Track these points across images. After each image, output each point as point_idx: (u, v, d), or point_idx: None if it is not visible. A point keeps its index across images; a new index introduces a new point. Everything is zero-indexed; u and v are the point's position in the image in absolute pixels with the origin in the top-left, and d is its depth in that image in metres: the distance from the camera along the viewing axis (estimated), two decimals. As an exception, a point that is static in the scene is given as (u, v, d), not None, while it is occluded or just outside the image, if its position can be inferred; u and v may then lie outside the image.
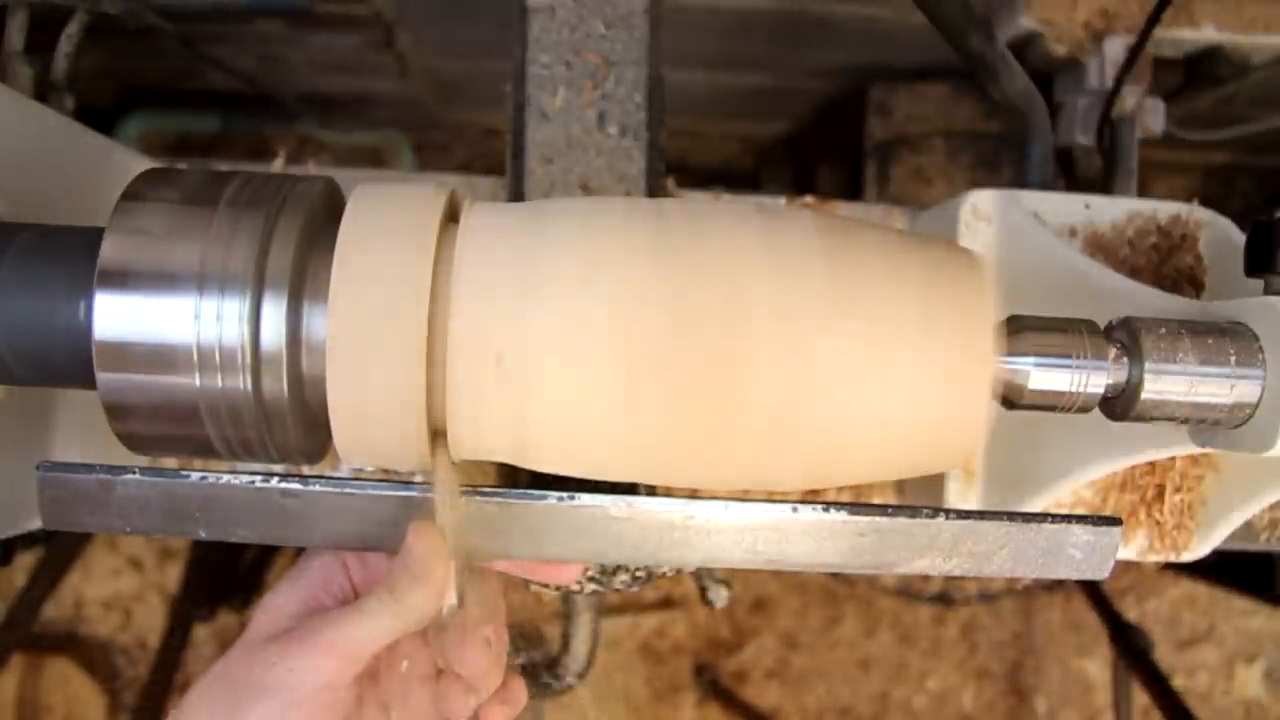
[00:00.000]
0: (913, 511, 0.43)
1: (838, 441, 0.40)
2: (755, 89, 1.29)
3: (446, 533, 0.41)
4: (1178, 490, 0.65)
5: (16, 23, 0.64)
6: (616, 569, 0.54)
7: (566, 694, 0.72)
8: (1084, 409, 0.45)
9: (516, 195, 0.62)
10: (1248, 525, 0.69)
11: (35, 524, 0.54)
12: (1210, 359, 0.45)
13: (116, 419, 0.41)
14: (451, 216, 0.42)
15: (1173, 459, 0.65)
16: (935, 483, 0.67)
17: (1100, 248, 0.66)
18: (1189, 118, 0.96)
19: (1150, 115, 0.81)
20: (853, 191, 1.22)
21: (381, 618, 0.40)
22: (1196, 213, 0.67)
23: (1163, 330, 0.45)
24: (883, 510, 0.43)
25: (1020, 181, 0.79)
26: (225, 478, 0.41)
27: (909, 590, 1.69)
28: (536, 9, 0.62)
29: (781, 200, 0.75)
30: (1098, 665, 1.75)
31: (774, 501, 0.43)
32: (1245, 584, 1.21)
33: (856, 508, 0.43)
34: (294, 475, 0.42)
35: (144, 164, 0.61)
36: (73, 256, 0.42)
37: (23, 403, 0.52)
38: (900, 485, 0.74)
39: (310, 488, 0.42)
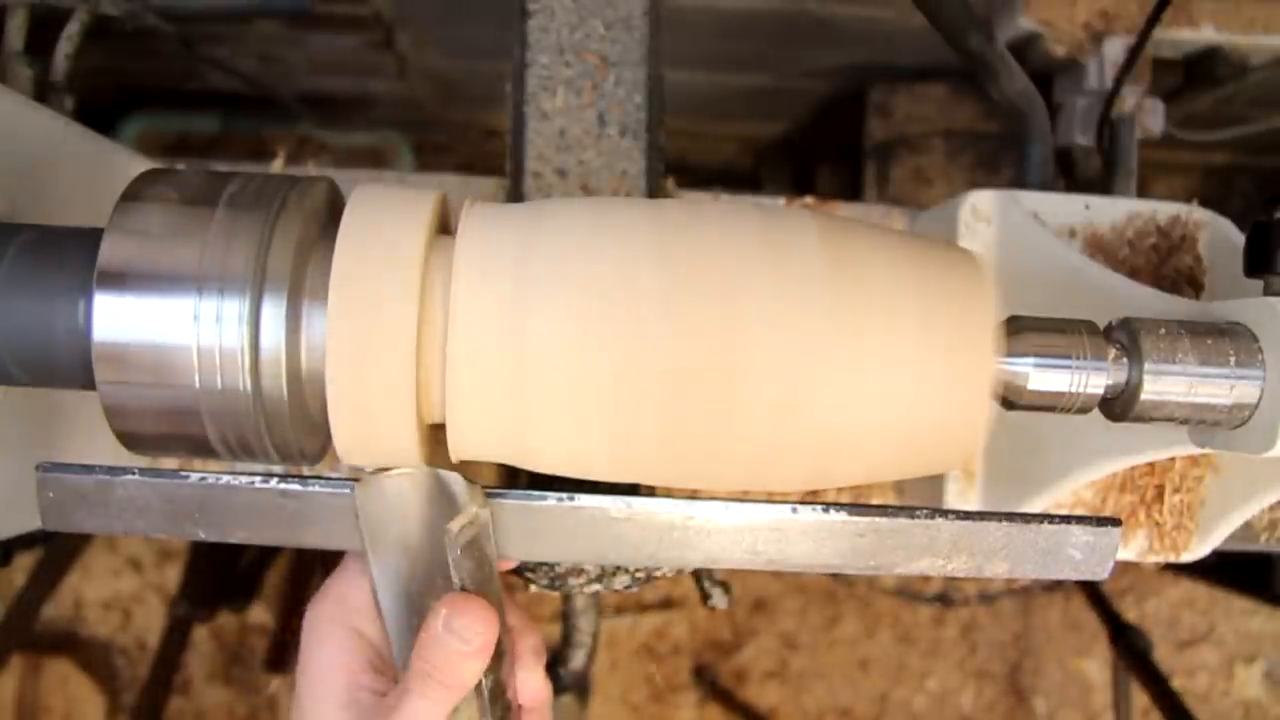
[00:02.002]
0: (912, 512, 0.43)
1: (838, 442, 0.40)
2: (755, 89, 1.29)
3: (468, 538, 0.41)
4: (1177, 491, 0.65)
5: (16, 23, 0.64)
6: (617, 570, 0.54)
7: (566, 694, 0.72)
8: (1084, 410, 0.45)
9: (516, 195, 0.62)
10: (1247, 525, 0.69)
11: (35, 524, 0.54)
12: (1210, 360, 0.45)
13: (116, 420, 0.41)
14: (452, 218, 0.42)
15: (1172, 459, 0.65)
16: (935, 483, 0.67)
17: (1100, 248, 0.66)
18: (1188, 118, 0.96)
19: (1150, 116, 0.81)
20: (852, 192, 1.22)
21: (431, 711, 0.41)
22: (1196, 213, 0.67)
23: (1162, 331, 0.45)
24: (882, 511, 0.43)
25: (1020, 182, 0.79)
26: (225, 478, 0.41)
27: (908, 591, 1.70)
28: (536, 9, 0.62)
29: (781, 200, 0.75)
30: (1097, 665, 1.75)
31: (774, 502, 0.43)
32: (1245, 584, 1.21)
33: (856, 508, 0.43)
34: (294, 475, 0.42)
35: (144, 164, 0.61)
36: (72, 257, 0.42)
37: (23, 403, 0.52)
38: (900, 485, 0.74)
39: (310, 488, 0.42)
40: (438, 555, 0.42)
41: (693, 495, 0.43)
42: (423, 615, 0.42)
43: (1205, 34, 0.86)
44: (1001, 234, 0.65)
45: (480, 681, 0.43)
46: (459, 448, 0.41)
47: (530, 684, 0.48)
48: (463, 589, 0.42)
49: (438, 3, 1.06)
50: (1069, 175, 0.84)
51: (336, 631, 0.44)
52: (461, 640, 0.41)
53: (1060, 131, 0.83)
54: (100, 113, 1.32)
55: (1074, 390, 0.44)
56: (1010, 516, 0.43)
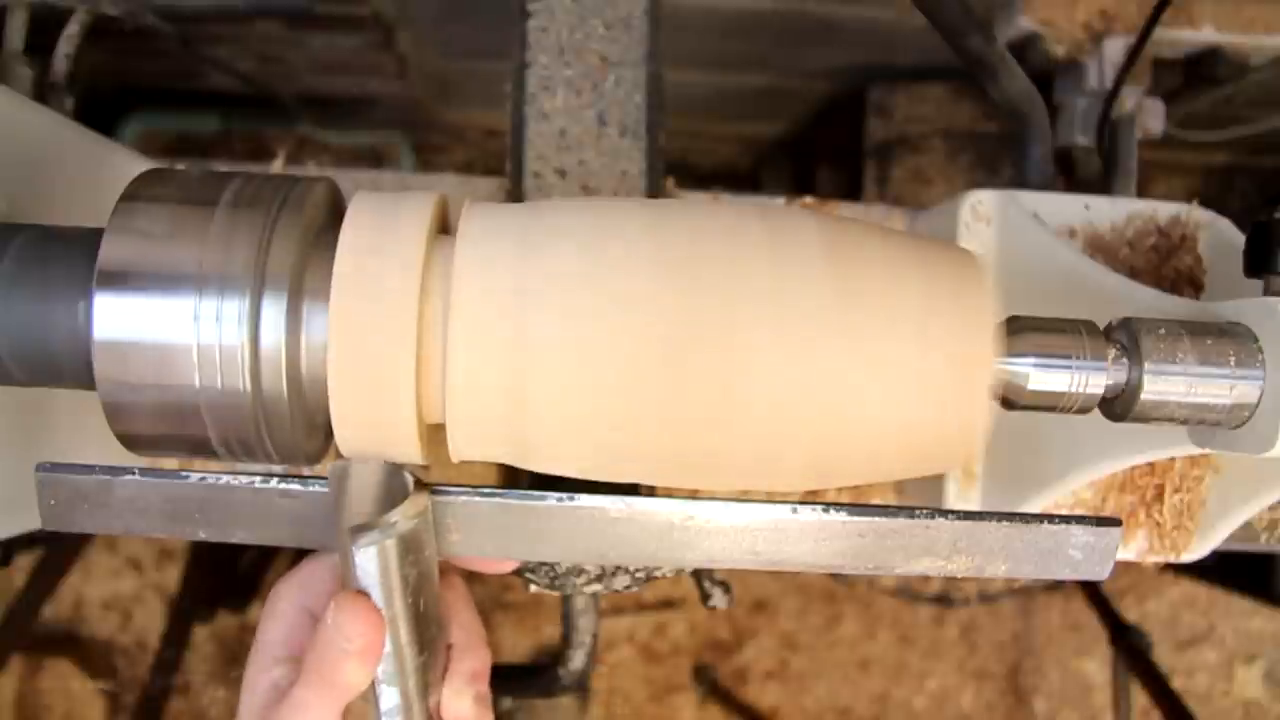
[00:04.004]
0: (912, 512, 0.43)
1: (838, 442, 0.40)
2: (755, 89, 1.29)
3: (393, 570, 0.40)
4: (1177, 491, 0.65)
5: (16, 23, 0.64)
6: (617, 570, 0.54)
7: (566, 694, 0.72)
8: (1084, 410, 0.45)
9: (516, 195, 0.62)
10: (1248, 525, 0.69)
11: (35, 524, 0.54)
12: (1210, 360, 0.45)
13: (116, 420, 0.41)
14: (452, 218, 0.42)
15: (1172, 459, 0.65)
16: (935, 483, 0.67)
17: (1100, 248, 0.66)
18: (1188, 118, 0.96)
19: (1150, 116, 0.81)
20: (852, 192, 1.22)
21: (316, 706, 0.40)
22: (1196, 213, 0.67)
23: (1162, 331, 0.45)
24: (882, 511, 0.43)
25: (1020, 182, 0.79)
26: (225, 478, 0.41)
27: (908, 591, 1.70)
28: (536, 9, 0.62)
29: (781, 200, 0.75)
30: (1097, 665, 1.75)
31: (774, 502, 0.43)
32: (1245, 584, 1.21)
33: (856, 508, 0.43)
34: (294, 475, 0.42)
35: (144, 164, 0.61)
36: (73, 257, 0.42)
37: (23, 402, 0.52)
38: (900, 485, 0.74)
39: (310, 488, 0.42)
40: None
41: (693, 495, 0.43)
42: None
43: (1205, 34, 0.86)
44: (1001, 234, 0.65)
45: (373, 689, 0.41)
46: (459, 448, 0.41)
47: (454, 709, 0.44)
48: (359, 590, 0.40)
49: (438, 3, 1.06)
50: (1069, 175, 0.84)
51: (289, 611, 0.44)
52: (344, 639, 0.39)
53: (1060, 131, 0.83)
54: (100, 113, 1.32)
55: (1074, 390, 0.44)
56: (1010, 516, 0.43)
